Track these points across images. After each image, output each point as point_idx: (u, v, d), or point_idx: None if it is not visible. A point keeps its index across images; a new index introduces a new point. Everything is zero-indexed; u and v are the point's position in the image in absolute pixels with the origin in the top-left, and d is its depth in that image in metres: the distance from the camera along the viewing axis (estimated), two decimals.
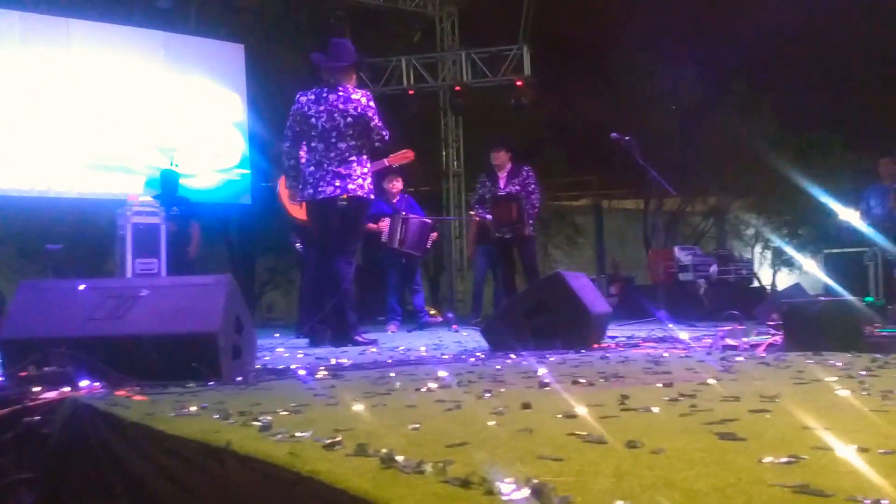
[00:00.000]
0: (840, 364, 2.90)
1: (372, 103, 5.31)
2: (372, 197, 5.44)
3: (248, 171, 11.27)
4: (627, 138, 7.08)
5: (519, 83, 12.57)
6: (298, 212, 6.51)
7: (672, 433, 1.50)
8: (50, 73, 9.88)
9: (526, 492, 1.02)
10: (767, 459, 1.20)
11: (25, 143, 9.65)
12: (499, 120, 15.02)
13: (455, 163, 13.67)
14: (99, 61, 10.21)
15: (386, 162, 6.46)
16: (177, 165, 9.01)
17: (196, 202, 9.20)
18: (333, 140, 5.22)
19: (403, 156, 6.64)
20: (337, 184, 5.20)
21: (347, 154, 5.22)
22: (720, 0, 16.93)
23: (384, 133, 5.35)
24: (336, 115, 5.22)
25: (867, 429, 1.49)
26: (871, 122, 16.17)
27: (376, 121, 5.28)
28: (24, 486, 2.48)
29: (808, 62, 17.35)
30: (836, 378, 2.41)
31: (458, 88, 12.95)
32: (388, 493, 1.07)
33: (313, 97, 5.31)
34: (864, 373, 2.56)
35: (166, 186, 8.57)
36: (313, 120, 5.27)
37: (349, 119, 5.21)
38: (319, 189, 5.24)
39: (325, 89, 5.31)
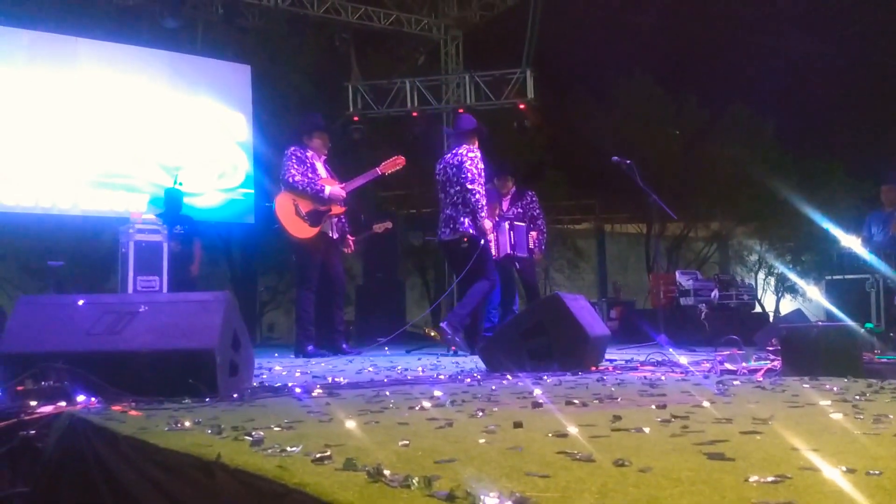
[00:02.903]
0: (835, 389, 2.90)
1: (471, 154, 6.18)
2: (470, 231, 6.15)
3: (252, 191, 11.31)
4: (629, 162, 7.10)
5: (522, 106, 12.63)
6: (297, 230, 6.51)
7: (661, 453, 1.50)
8: (57, 92, 9.96)
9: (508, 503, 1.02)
10: (753, 479, 1.21)
11: (31, 160, 9.71)
12: (502, 143, 15.08)
13: None
14: (105, 80, 10.29)
15: (378, 171, 6.91)
16: (181, 184, 9.06)
17: (199, 221, 9.23)
18: (448, 188, 6.27)
19: (394, 163, 6.98)
20: (449, 226, 6.24)
21: (455, 198, 6.21)
22: (722, 25, 17.04)
23: (469, 184, 6.10)
24: (448, 168, 6.29)
25: (856, 451, 1.50)
26: (872, 150, 16.22)
27: (466, 165, 6.13)
28: (18, 500, 2.49)
29: (809, 89, 17.44)
30: (830, 402, 2.41)
31: (461, 111, 13.01)
32: None
33: (441, 161, 6.46)
34: (858, 397, 2.56)
35: (170, 205, 8.62)
36: (438, 176, 6.40)
37: (454, 168, 6.21)
38: (439, 232, 6.38)
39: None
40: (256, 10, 11.89)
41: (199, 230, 8.80)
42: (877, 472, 1.24)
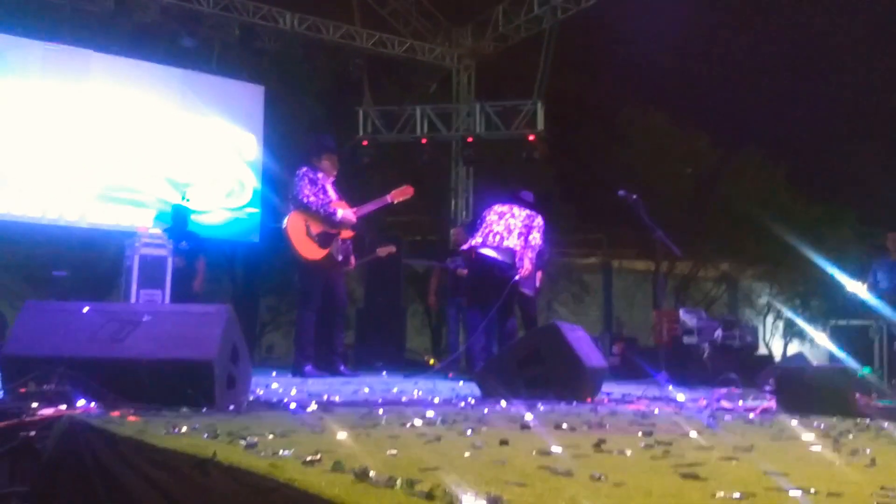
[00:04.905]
0: (822, 426, 2.94)
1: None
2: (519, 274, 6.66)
3: (258, 210, 11.41)
4: (635, 197, 7.14)
5: (531, 138, 12.73)
6: (306, 251, 6.55)
7: (638, 471, 1.55)
8: (68, 104, 10.08)
9: (482, 502, 1.08)
10: (719, 494, 1.26)
11: (40, 171, 9.81)
12: (509, 173, 15.19)
13: (464, 213, 13.81)
14: (118, 95, 10.42)
15: (388, 199, 7.01)
16: (188, 200, 9.14)
17: (205, 238, 9.30)
18: (510, 220, 6.88)
19: (403, 192, 7.10)
20: (508, 252, 6.72)
21: (520, 238, 6.78)
22: (737, 67, 17.22)
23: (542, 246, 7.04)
24: (520, 213, 6.91)
25: (825, 476, 1.55)
26: (884, 197, 16.28)
27: (542, 228, 6.86)
28: (15, 499, 2.54)
29: (823, 134, 17.55)
30: (813, 436, 2.45)
31: (470, 140, 13.13)
32: (358, 500, 1.14)
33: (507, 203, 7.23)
34: (842, 434, 2.61)
35: (177, 221, 8.69)
36: (500, 206, 7.04)
37: (527, 219, 6.85)
38: (479, 245, 6.84)
39: None
40: (273, 32, 12.07)
41: (203, 247, 8.86)
42: (837, 494, 1.30)
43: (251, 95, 11.68)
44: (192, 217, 9.12)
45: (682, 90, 17.47)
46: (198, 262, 8.60)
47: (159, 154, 10.68)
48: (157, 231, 8.06)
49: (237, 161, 11.37)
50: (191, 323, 3.24)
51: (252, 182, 11.45)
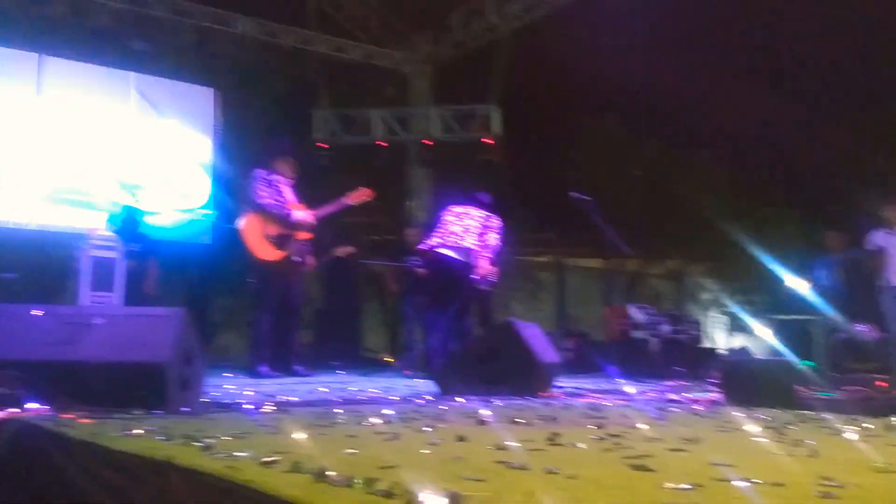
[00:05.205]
0: (767, 418, 3.03)
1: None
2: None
3: (211, 212, 11.31)
4: (587, 198, 7.22)
5: (487, 141, 12.84)
6: (263, 252, 6.52)
7: (590, 464, 1.60)
8: (17, 106, 9.88)
9: (443, 500, 1.11)
10: (668, 485, 1.31)
11: None
12: (467, 175, 15.24)
13: (421, 214, 13.83)
14: (68, 98, 10.23)
15: (347, 201, 6.97)
16: (138, 201, 9.02)
17: (156, 240, 9.18)
18: (469, 222, 6.91)
19: (361, 194, 7.08)
20: (464, 254, 6.74)
21: (480, 241, 6.83)
22: (686, 73, 17.50)
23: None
24: (480, 216, 6.93)
25: (768, 467, 1.61)
26: (824, 199, 16.71)
27: (499, 231, 6.91)
28: None
29: (768, 139, 17.95)
30: (757, 428, 2.53)
31: (428, 142, 13.16)
32: (317, 499, 1.16)
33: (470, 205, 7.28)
34: (786, 426, 2.69)
35: (128, 222, 8.56)
36: (459, 209, 7.04)
37: (487, 221, 6.90)
38: (436, 247, 6.85)
39: None
40: (227, 37, 11.94)
41: (155, 249, 8.74)
42: (780, 484, 1.35)
43: (202, 97, 11.56)
44: (144, 219, 8.99)
45: (633, 94, 17.71)
46: (149, 263, 8.49)
47: (111, 156, 10.51)
48: (108, 233, 7.93)
49: (190, 163, 11.25)
50: (145, 326, 3.22)
51: (205, 183, 11.34)
